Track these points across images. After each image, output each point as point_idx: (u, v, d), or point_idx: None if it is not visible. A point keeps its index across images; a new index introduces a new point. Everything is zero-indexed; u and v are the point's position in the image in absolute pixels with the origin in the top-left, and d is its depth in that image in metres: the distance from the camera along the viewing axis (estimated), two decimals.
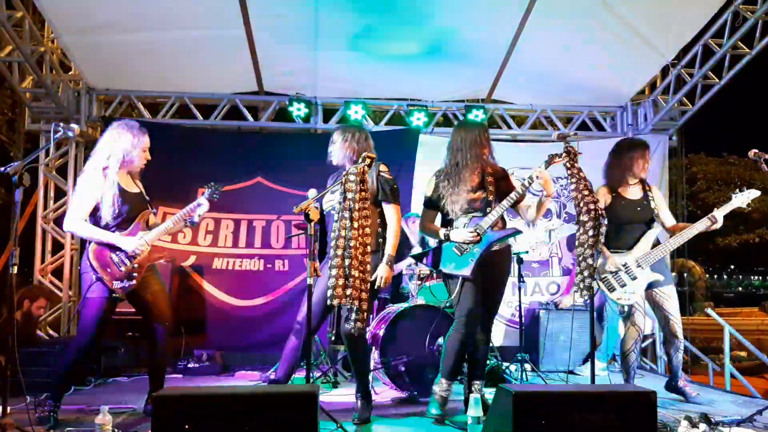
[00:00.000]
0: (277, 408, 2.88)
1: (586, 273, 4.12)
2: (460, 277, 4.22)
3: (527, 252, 7.39)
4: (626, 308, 4.85)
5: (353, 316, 4.09)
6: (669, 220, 5.02)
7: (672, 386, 5.13)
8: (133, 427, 3.75)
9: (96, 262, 4.17)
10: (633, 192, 5.00)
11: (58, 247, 7.38)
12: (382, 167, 4.47)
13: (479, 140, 4.33)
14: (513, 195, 4.19)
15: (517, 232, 4.40)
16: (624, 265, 4.80)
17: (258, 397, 3.01)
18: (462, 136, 4.39)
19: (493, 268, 4.34)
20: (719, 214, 4.74)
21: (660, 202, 5.03)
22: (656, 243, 4.89)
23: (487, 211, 4.26)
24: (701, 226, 4.75)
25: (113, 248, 4.20)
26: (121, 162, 4.25)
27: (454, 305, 4.30)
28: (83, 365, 5.16)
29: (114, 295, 4.18)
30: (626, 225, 4.92)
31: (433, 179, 4.47)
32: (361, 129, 4.66)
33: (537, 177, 4.14)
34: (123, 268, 4.20)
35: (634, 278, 4.79)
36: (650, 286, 4.86)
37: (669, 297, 4.92)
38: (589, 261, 4.11)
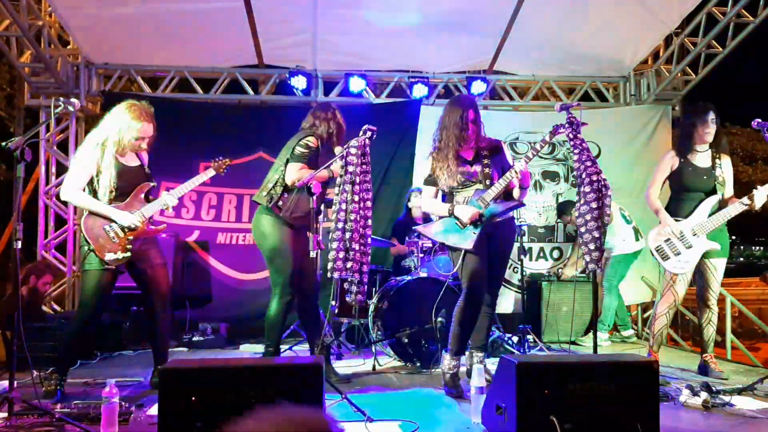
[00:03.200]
0: (283, 380, 2.91)
1: (592, 246, 4.10)
2: (463, 250, 4.22)
3: (529, 224, 7.41)
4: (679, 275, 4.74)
5: (354, 288, 4.11)
6: (729, 191, 4.85)
7: (702, 365, 5.01)
8: (140, 400, 3.79)
9: (88, 234, 4.17)
10: (702, 159, 4.83)
11: (61, 222, 7.40)
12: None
13: (465, 120, 4.28)
14: (512, 173, 4.18)
15: (521, 205, 4.40)
16: (680, 233, 4.70)
17: (264, 369, 3.04)
18: (450, 115, 4.35)
19: (497, 239, 4.34)
20: (759, 195, 4.60)
21: (728, 173, 4.85)
22: (713, 212, 4.75)
23: (486, 183, 4.26)
24: (741, 206, 4.65)
25: (107, 220, 4.19)
26: (116, 142, 4.23)
27: (459, 277, 4.31)
28: (88, 338, 5.20)
29: (107, 266, 4.18)
30: (689, 192, 4.80)
31: (430, 158, 4.44)
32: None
33: (516, 173, 4.14)
34: (116, 240, 4.19)
35: (689, 247, 4.69)
36: (705, 256, 4.75)
37: (715, 270, 4.80)
38: (595, 234, 4.09)
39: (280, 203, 4.58)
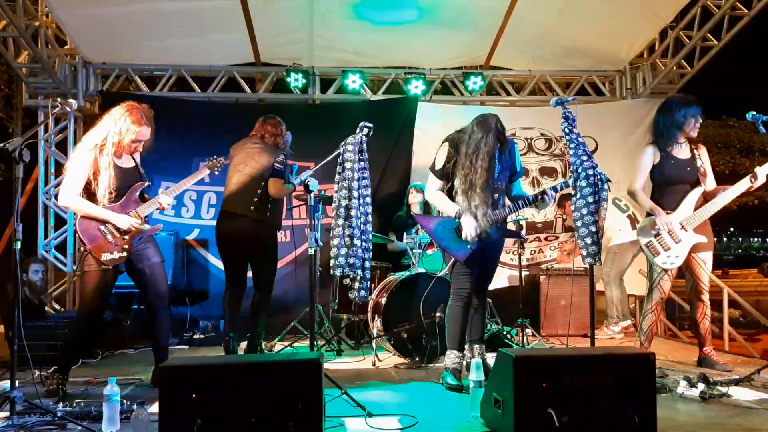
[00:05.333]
0: (283, 376, 2.93)
1: (588, 240, 4.12)
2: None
3: (525, 219, 7.44)
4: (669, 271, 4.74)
5: (356, 285, 4.13)
6: (711, 182, 4.84)
7: (701, 359, 5.00)
8: (141, 398, 3.80)
9: (84, 235, 4.17)
10: (682, 151, 4.84)
11: (60, 222, 7.41)
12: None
13: (489, 139, 4.19)
14: (526, 201, 4.26)
15: (521, 237, 4.43)
16: (670, 227, 4.69)
17: (264, 366, 3.06)
18: (478, 134, 4.20)
19: (488, 250, 4.38)
20: (761, 171, 4.59)
21: (707, 163, 4.86)
22: (699, 204, 4.75)
23: (495, 197, 4.25)
24: (743, 185, 4.63)
25: (102, 221, 4.20)
26: (115, 143, 4.22)
27: (449, 277, 4.38)
28: (89, 338, 5.22)
29: (103, 267, 4.19)
30: (673, 185, 4.79)
31: (445, 149, 4.30)
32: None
33: (544, 199, 4.26)
34: (112, 240, 4.20)
35: (678, 241, 4.68)
36: (693, 250, 4.73)
37: (704, 264, 4.80)
38: (592, 228, 4.11)
39: (269, 213, 5.15)
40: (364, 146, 4.17)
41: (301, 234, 7.24)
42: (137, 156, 4.47)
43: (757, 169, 4.64)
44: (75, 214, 4.29)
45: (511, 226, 5.14)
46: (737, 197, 4.86)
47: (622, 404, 3.02)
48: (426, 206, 6.46)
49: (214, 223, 7.32)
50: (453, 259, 4.30)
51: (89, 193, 4.21)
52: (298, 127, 7.27)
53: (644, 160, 4.88)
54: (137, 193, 4.37)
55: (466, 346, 4.53)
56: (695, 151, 4.86)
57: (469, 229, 4.18)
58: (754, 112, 4.46)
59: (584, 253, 4.15)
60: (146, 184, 4.45)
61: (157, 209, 4.44)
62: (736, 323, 6.82)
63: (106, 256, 4.17)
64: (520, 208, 4.31)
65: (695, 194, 4.75)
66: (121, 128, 4.22)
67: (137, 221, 4.26)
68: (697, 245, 4.74)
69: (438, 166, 4.33)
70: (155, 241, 4.53)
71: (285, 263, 7.22)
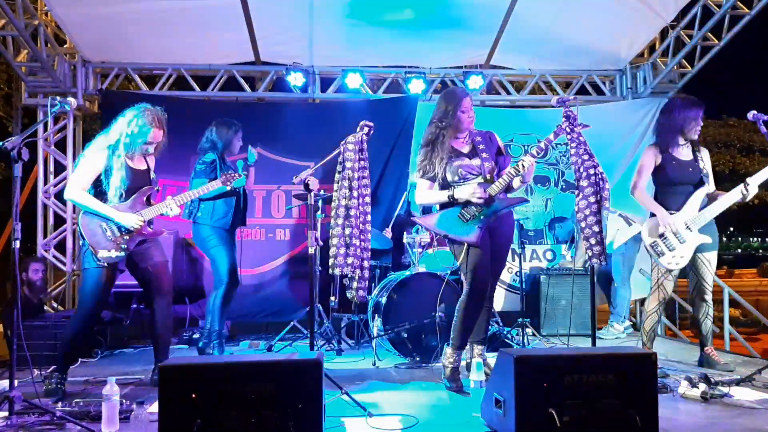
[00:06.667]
0: (283, 376, 2.92)
1: (593, 240, 4.10)
2: (466, 244, 4.18)
3: (527, 218, 7.43)
4: (673, 272, 4.71)
5: (355, 284, 4.12)
6: (711, 185, 4.80)
7: (702, 359, 4.99)
8: (141, 398, 3.79)
9: (85, 230, 4.19)
10: (684, 152, 4.81)
11: (59, 221, 7.39)
12: None
13: (457, 110, 4.23)
14: (519, 167, 4.16)
15: (525, 200, 4.39)
16: (675, 228, 4.65)
17: (264, 366, 3.05)
18: (443, 106, 4.27)
19: (498, 234, 4.31)
20: (753, 182, 4.55)
21: (708, 164, 4.83)
22: (704, 204, 4.72)
23: (487, 177, 4.23)
24: (735, 196, 4.59)
25: (104, 218, 4.21)
26: (127, 145, 4.26)
27: (461, 271, 4.28)
28: (88, 336, 5.23)
29: (99, 264, 4.18)
30: (676, 186, 4.75)
31: (422, 151, 4.34)
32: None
33: (524, 168, 4.08)
34: (111, 238, 4.20)
35: (683, 241, 4.65)
36: (698, 250, 4.71)
37: (709, 264, 4.77)
38: (595, 228, 4.09)
39: (198, 213, 5.56)
40: (365, 145, 4.17)
41: (300, 233, 7.22)
42: (151, 159, 4.50)
43: (749, 179, 4.58)
44: (76, 209, 4.30)
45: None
46: None
47: (623, 404, 3.02)
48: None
49: None
50: (463, 251, 4.18)
51: (99, 192, 4.23)
52: (298, 127, 7.29)
53: (645, 160, 4.86)
54: (145, 197, 4.38)
55: (467, 347, 4.51)
56: (697, 152, 4.83)
57: (473, 191, 4.12)
58: (755, 112, 4.44)
59: (589, 254, 4.13)
60: (155, 188, 4.48)
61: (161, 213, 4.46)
62: (735, 322, 6.81)
63: (103, 254, 4.17)
64: (513, 176, 4.13)
65: (700, 194, 4.71)
66: (133, 130, 4.26)
67: (140, 222, 4.26)
68: (702, 245, 4.71)
69: (419, 171, 4.34)
70: (160, 242, 4.56)
71: (283, 262, 7.22)
